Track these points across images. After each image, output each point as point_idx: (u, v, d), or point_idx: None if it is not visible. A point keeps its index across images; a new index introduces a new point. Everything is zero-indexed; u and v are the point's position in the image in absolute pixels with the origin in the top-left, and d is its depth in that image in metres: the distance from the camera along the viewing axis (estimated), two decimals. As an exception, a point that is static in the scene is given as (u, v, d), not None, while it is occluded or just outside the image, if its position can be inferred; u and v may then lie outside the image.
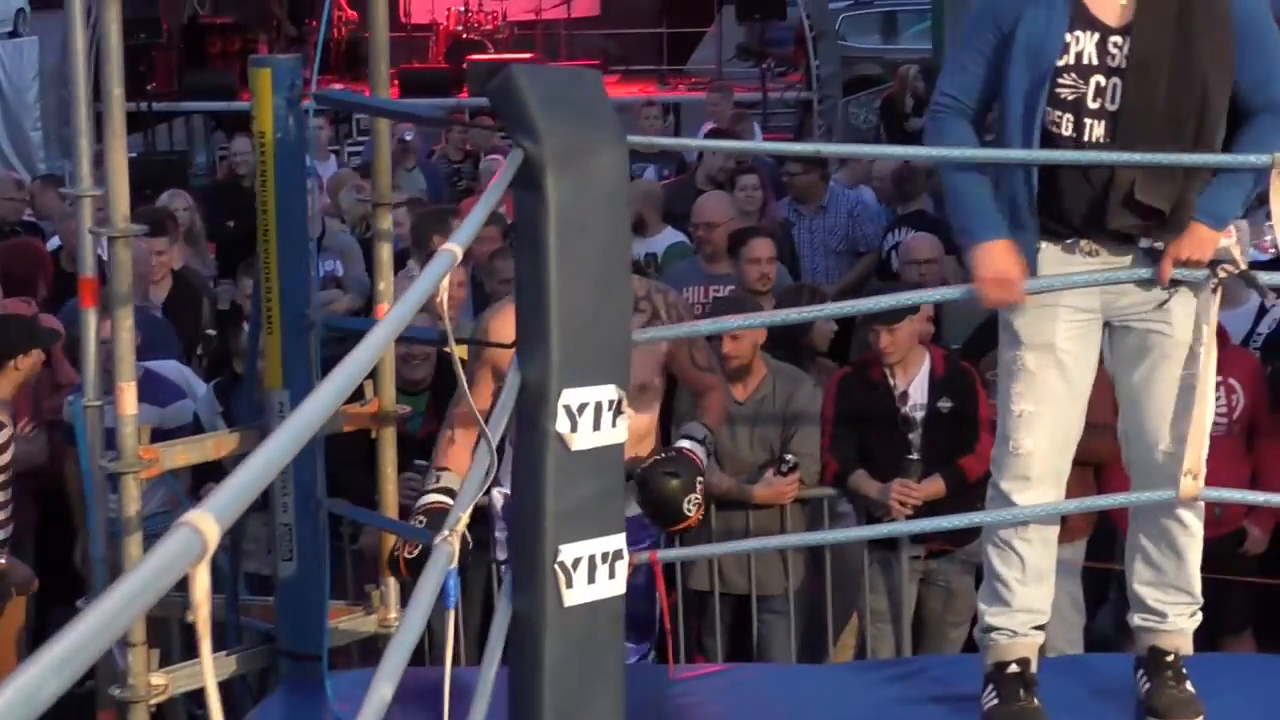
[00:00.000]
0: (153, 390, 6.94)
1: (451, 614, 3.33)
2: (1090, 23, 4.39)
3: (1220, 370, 4.61)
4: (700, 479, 5.20)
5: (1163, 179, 4.36)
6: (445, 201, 12.54)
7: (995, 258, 4.43)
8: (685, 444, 5.30)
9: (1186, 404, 4.50)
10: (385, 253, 5.53)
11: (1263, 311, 7.62)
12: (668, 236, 9.65)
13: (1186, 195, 4.38)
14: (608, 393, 3.99)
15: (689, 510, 5.11)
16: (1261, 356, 7.35)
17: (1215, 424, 4.67)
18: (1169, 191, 4.36)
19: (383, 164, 5.56)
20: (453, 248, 3.17)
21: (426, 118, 7.21)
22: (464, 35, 19.86)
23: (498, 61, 18.56)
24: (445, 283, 3.10)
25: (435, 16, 20.35)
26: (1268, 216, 4.52)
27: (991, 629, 4.68)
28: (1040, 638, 4.73)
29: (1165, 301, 4.48)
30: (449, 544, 3.24)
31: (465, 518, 3.36)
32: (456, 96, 18.12)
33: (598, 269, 4.00)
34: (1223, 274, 4.44)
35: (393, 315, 2.75)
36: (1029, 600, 4.67)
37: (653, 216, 9.65)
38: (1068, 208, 4.44)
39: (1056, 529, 4.74)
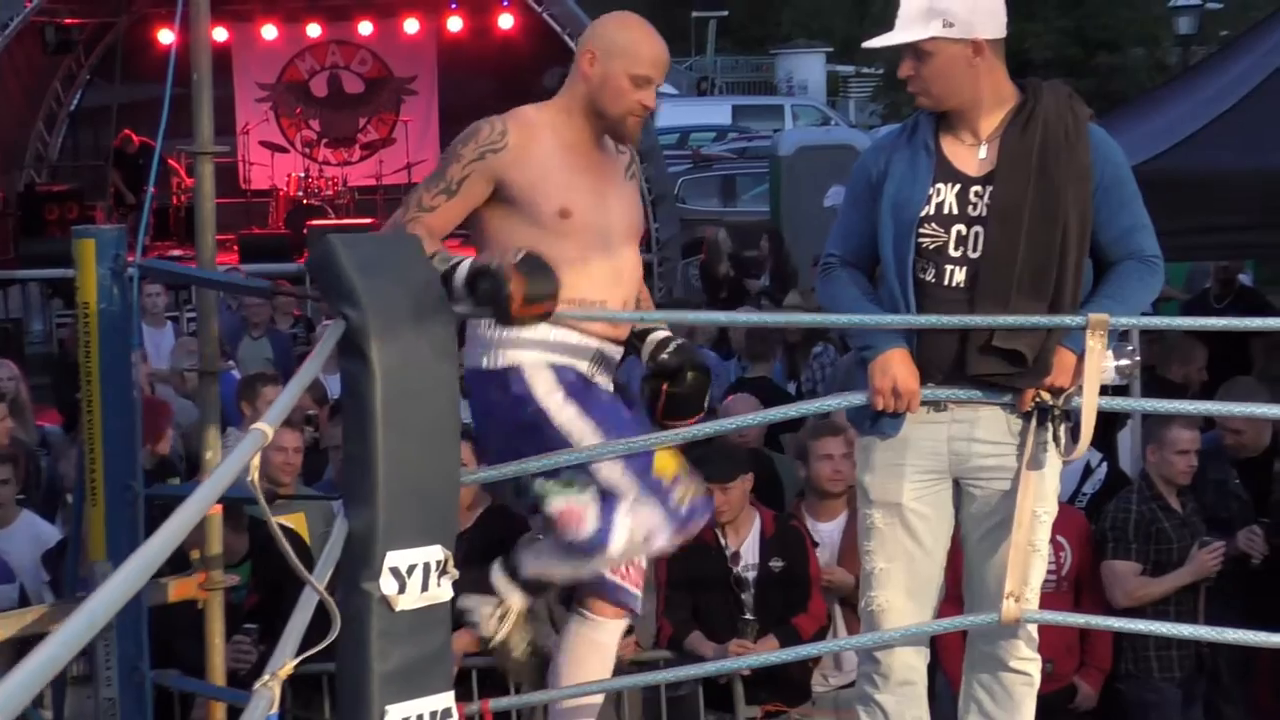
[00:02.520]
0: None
1: None
2: (951, 174, 4.49)
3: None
4: None
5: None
6: (293, 369, 12.52)
7: (893, 366, 4.47)
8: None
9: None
10: (212, 421, 5.50)
11: (1088, 471, 7.77)
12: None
13: (1049, 341, 4.45)
14: (434, 553, 4.01)
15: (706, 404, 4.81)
16: (1086, 515, 7.49)
17: (1045, 581, 4.73)
18: (1030, 339, 4.43)
19: (208, 332, 5.54)
20: (263, 428, 3.17)
21: (247, 288, 7.18)
22: (304, 201, 19.87)
23: (339, 227, 18.60)
24: (255, 461, 3.11)
25: (275, 182, 20.38)
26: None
27: None
28: None
29: (1015, 468, 4.53)
30: (269, 689, 3.19)
31: (290, 665, 3.33)
32: (297, 261, 18.10)
33: (426, 432, 4.03)
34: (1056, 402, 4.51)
35: (199, 495, 2.74)
36: None
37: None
38: (929, 357, 4.50)
39: (923, 682, 4.76)
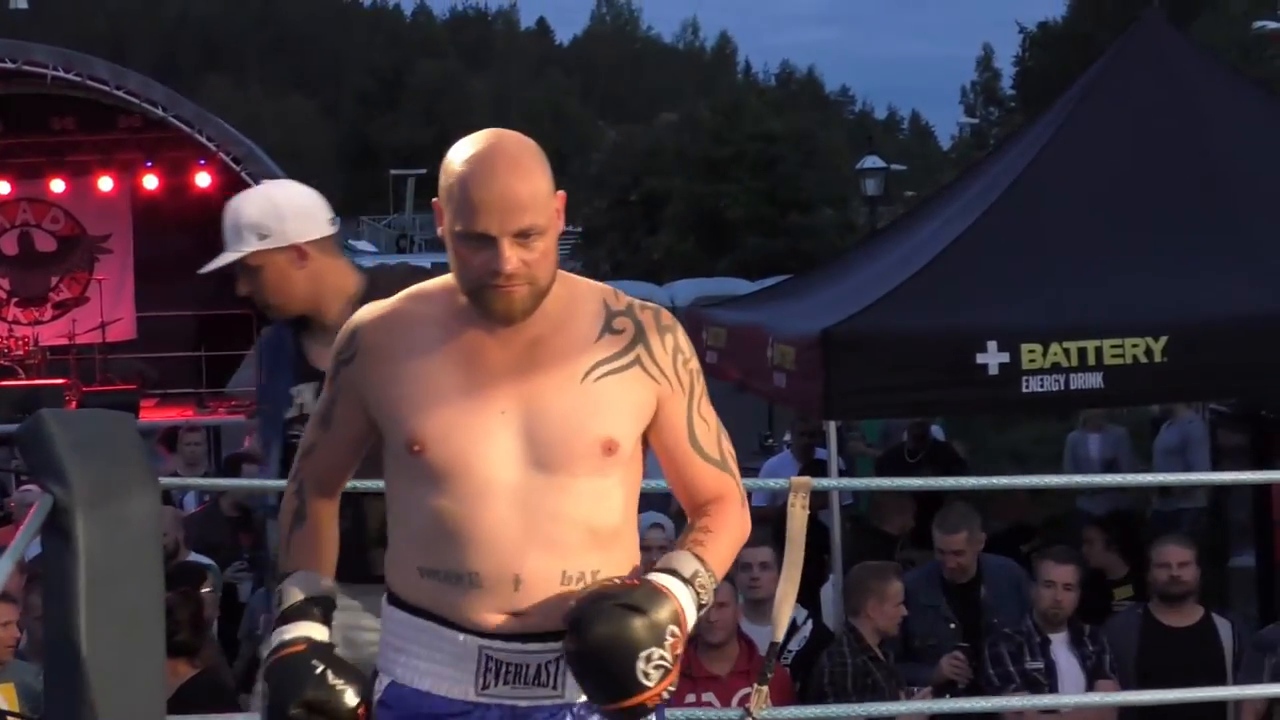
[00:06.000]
0: None
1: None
2: (312, 374, 4.43)
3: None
4: (676, 632, 3.03)
5: None
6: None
7: None
8: (661, 579, 3.10)
9: None
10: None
11: (794, 627, 7.86)
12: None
13: None
14: (140, 750, 3.89)
15: (646, 678, 2.99)
16: (792, 672, 7.58)
17: (755, 741, 4.77)
18: None
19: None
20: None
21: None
22: (-6, 361, 19.39)
23: (30, 387, 18.14)
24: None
25: (-37, 342, 19.85)
26: None
27: None
28: None
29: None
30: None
31: None
32: (-14, 423, 17.61)
33: (129, 618, 3.91)
34: None
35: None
36: None
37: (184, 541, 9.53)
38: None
39: None
